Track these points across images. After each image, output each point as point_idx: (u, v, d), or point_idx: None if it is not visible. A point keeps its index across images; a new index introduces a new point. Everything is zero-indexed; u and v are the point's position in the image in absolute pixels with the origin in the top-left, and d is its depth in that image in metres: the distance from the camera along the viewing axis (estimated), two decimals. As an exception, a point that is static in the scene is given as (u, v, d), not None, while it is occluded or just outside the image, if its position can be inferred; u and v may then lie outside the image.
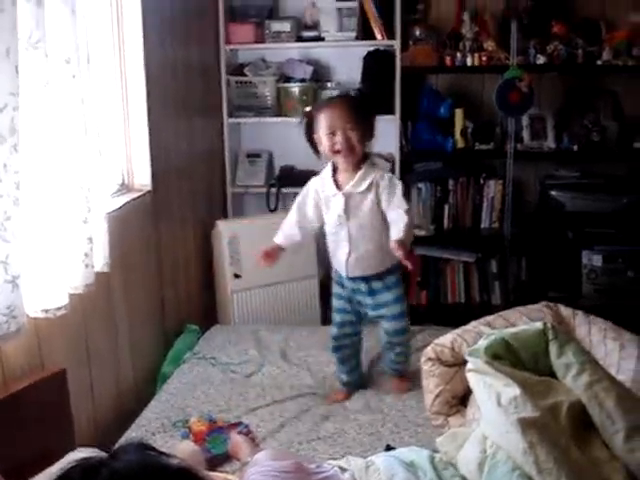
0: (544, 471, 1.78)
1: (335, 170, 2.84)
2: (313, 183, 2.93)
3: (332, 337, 3.00)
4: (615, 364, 2.31)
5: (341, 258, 2.85)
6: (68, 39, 2.31)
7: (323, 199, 2.86)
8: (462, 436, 2.08)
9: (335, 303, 2.99)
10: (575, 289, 4.28)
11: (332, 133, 2.71)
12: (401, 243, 2.60)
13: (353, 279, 2.87)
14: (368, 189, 2.75)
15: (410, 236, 2.71)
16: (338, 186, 2.81)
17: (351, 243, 2.81)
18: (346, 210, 2.78)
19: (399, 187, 2.75)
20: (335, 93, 4.29)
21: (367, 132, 2.77)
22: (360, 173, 2.76)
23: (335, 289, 2.98)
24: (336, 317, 2.99)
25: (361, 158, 2.77)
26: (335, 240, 2.86)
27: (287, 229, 2.95)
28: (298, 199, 2.97)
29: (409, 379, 2.98)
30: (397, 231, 2.64)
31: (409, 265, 2.66)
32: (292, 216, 2.96)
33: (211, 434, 2.55)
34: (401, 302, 2.91)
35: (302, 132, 2.86)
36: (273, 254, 2.92)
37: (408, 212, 2.69)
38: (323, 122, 2.74)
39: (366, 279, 2.85)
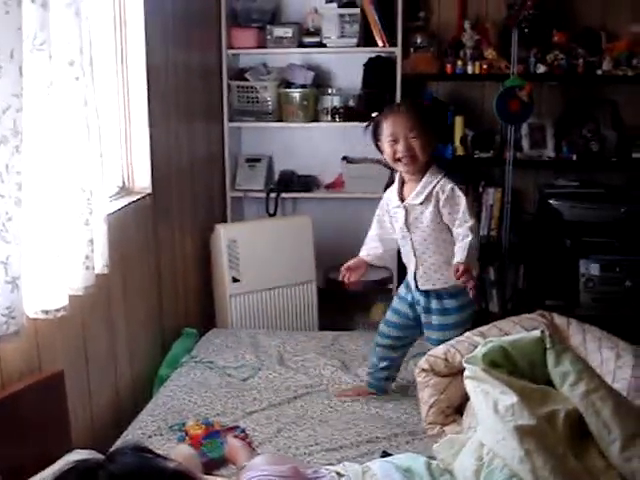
0: (540, 479, 1.78)
1: (403, 181, 2.82)
2: (386, 194, 2.91)
3: (379, 333, 3.01)
4: (611, 372, 2.32)
5: (411, 269, 2.83)
6: (72, 41, 2.31)
7: (391, 211, 2.85)
8: (459, 443, 2.09)
9: (394, 303, 2.97)
10: (573, 298, 4.29)
11: (394, 140, 2.70)
12: (463, 266, 2.58)
13: (418, 291, 2.83)
14: (427, 199, 2.71)
15: (474, 257, 2.67)
16: (402, 197, 2.79)
17: (417, 256, 2.79)
18: (407, 222, 2.77)
19: (462, 200, 2.69)
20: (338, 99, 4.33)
21: (431, 141, 2.73)
22: (421, 183, 2.73)
23: (401, 290, 2.96)
24: (389, 316, 2.97)
25: (424, 167, 2.74)
26: (404, 253, 2.86)
27: (369, 242, 2.96)
28: (377, 211, 2.95)
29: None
30: (459, 253, 2.63)
31: (471, 291, 2.64)
32: (373, 229, 2.96)
33: (207, 438, 2.55)
34: (445, 330, 2.79)
35: (369, 139, 2.82)
36: (356, 268, 2.92)
37: (472, 229, 2.65)
38: (386, 129, 2.72)
39: (427, 295, 2.81)
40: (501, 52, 4.20)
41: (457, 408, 2.54)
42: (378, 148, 2.81)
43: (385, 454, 2.39)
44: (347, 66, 4.47)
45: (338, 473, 2.03)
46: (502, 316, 2.79)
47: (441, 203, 2.70)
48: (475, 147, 4.36)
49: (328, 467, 2.12)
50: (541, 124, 4.40)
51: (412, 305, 2.89)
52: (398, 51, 4.19)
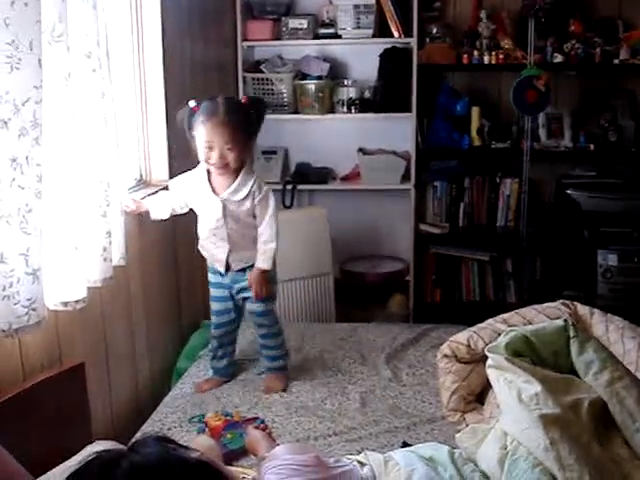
0: (566, 467, 1.77)
1: (209, 172, 2.82)
2: (184, 178, 2.90)
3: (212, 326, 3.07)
4: (634, 362, 2.30)
5: (220, 256, 2.88)
6: (89, 33, 2.31)
7: (196, 198, 2.86)
8: (482, 432, 2.07)
9: (213, 292, 3.02)
10: (590, 289, 4.26)
11: (209, 148, 2.70)
12: (260, 274, 2.82)
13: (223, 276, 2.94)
14: (246, 197, 2.78)
15: (273, 263, 2.87)
16: (214, 190, 2.80)
17: (231, 244, 2.85)
18: (224, 215, 2.80)
19: (272, 203, 2.82)
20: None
21: (247, 148, 2.77)
22: (238, 180, 2.77)
23: (211, 278, 3.00)
24: (214, 305, 3.03)
25: (239, 166, 2.77)
26: (213, 240, 2.88)
27: (161, 203, 2.94)
28: (171, 187, 2.96)
29: (285, 376, 3.02)
30: (265, 259, 2.84)
31: (255, 295, 2.85)
32: (168, 195, 2.95)
33: (227, 429, 2.55)
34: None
35: (180, 123, 2.80)
36: (137, 209, 2.90)
37: (276, 236, 2.83)
38: (202, 132, 2.69)
39: (244, 271, 2.90)
40: (517, 42, 4.18)
41: (477, 396, 2.53)
42: (189, 136, 2.77)
43: (405, 444, 2.39)
44: (363, 57, 4.46)
45: (360, 462, 2.02)
46: (519, 307, 2.76)
47: (256, 200, 2.78)
48: (492, 138, 4.35)
49: (350, 456, 2.11)
50: (558, 114, 4.38)
51: (227, 287, 2.96)
52: (414, 42, 4.18)
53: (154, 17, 3.14)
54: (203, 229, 2.89)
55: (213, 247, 2.89)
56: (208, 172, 2.81)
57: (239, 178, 2.77)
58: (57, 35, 2.11)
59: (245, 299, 2.97)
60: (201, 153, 2.72)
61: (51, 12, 2.07)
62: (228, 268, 2.91)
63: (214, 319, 3.03)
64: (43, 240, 2.07)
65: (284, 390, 2.93)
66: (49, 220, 2.16)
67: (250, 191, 2.77)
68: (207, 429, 2.58)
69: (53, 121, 2.15)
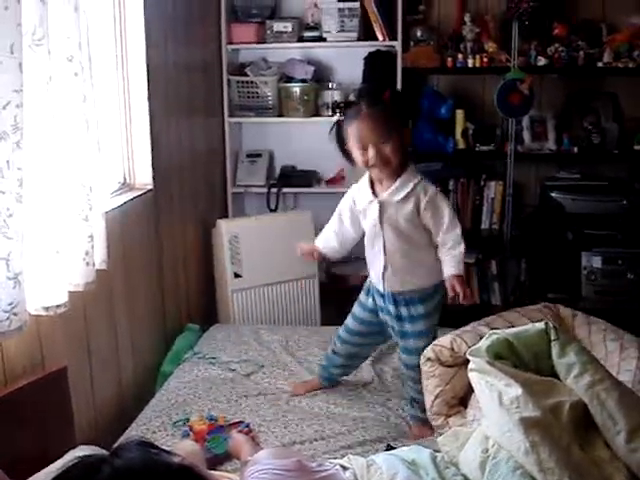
0: (546, 471, 1.78)
1: (373, 180, 2.70)
2: (351, 191, 2.80)
3: (339, 338, 2.98)
4: (615, 365, 2.32)
5: (378, 270, 2.72)
6: (71, 37, 2.30)
7: (360, 208, 2.73)
8: (464, 436, 2.08)
9: (356, 310, 2.91)
10: (575, 291, 4.28)
11: (364, 148, 2.56)
12: (460, 279, 2.59)
13: (383, 297, 2.75)
14: (406, 198, 2.60)
15: (461, 263, 2.64)
16: (375, 193, 2.67)
17: (387, 254, 2.68)
18: (381, 218, 2.65)
19: (446, 205, 2.63)
20: (350, 95, 4.30)
21: (402, 139, 2.60)
22: (399, 181, 2.61)
23: (362, 297, 2.89)
24: (351, 323, 2.93)
25: (399, 166, 2.61)
26: (372, 251, 2.74)
27: (326, 234, 2.88)
28: (339, 207, 2.85)
29: (429, 426, 2.63)
30: (454, 264, 2.60)
31: (465, 301, 2.61)
32: (332, 224, 2.87)
33: (212, 433, 2.55)
34: (420, 338, 2.72)
35: (333, 141, 2.71)
36: (310, 253, 2.93)
37: (461, 237, 2.62)
38: (352, 136, 2.59)
39: (395, 302, 2.72)
40: (501, 45, 4.19)
41: (461, 399, 2.54)
42: (345, 152, 2.69)
43: (389, 447, 2.39)
44: (347, 60, 4.46)
45: (342, 466, 2.02)
46: (504, 309, 2.78)
47: (422, 205, 2.60)
48: (476, 140, 4.35)
49: (332, 460, 2.11)
50: (542, 117, 4.39)
51: (373, 311, 2.83)
52: (398, 45, 4.18)
53: (137, 20, 3.13)
54: (366, 239, 2.76)
55: (373, 262, 2.76)
56: (371, 180, 2.69)
57: (401, 178, 2.61)
58: (38, 38, 2.10)
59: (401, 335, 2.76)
60: (359, 159, 2.60)
61: (32, 15, 2.06)
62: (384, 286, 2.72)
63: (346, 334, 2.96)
64: (24, 244, 2.06)
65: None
66: (30, 224, 2.15)
67: (412, 191, 2.60)
68: (191, 433, 2.57)
69: (34, 125, 2.15)
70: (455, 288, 2.58)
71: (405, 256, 2.67)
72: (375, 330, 2.88)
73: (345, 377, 3.07)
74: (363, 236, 2.79)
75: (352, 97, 2.65)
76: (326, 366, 3.02)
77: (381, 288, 2.73)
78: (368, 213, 2.69)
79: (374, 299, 2.80)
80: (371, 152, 2.55)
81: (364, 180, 2.72)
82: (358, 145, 2.58)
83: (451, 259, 2.60)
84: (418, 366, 2.61)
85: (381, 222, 2.65)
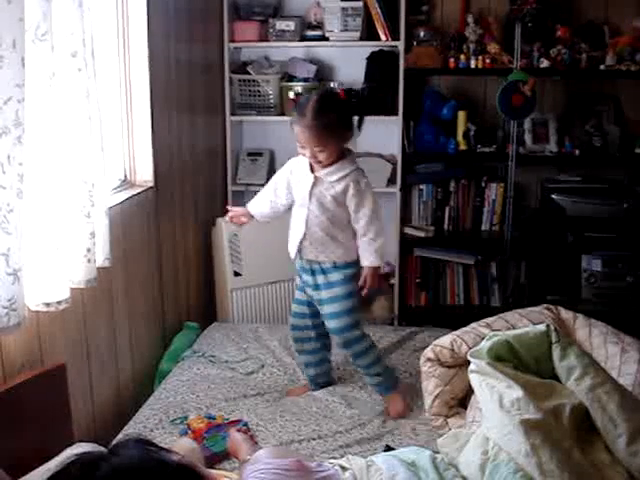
0: (546, 473, 1.77)
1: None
2: (290, 162, 2.93)
3: (290, 329, 3.07)
4: (616, 368, 2.31)
5: (296, 238, 2.85)
6: (74, 33, 2.30)
7: (295, 179, 2.86)
8: (463, 437, 2.07)
9: (295, 294, 3.06)
10: (574, 293, 4.28)
11: (302, 147, 2.71)
12: (373, 271, 2.75)
13: (303, 270, 2.89)
14: (339, 181, 2.75)
15: (381, 256, 2.80)
16: (312, 169, 2.80)
17: (307, 226, 2.81)
18: (311, 191, 2.78)
19: (371, 199, 2.77)
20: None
21: (338, 145, 2.73)
22: (335, 166, 2.75)
23: (297, 280, 3.04)
24: (293, 307, 3.06)
25: (337, 158, 2.75)
26: (295, 221, 2.87)
27: (259, 200, 2.99)
28: (275, 175, 2.99)
29: (403, 399, 2.85)
30: (371, 255, 2.76)
31: (376, 287, 2.81)
32: (266, 191, 2.98)
33: (210, 431, 2.54)
34: (340, 301, 2.84)
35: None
36: (240, 215, 3.00)
37: (382, 233, 2.76)
38: (296, 133, 2.71)
39: (312, 271, 2.86)
40: (504, 46, 4.18)
41: (461, 400, 2.53)
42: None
43: (388, 448, 2.38)
44: (350, 60, 4.45)
45: (342, 467, 2.02)
46: (503, 311, 2.77)
47: (351, 191, 2.75)
48: (478, 142, 4.34)
49: (332, 460, 2.11)
50: (544, 119, 4.39)
51: (302, 289, 2.97)
52: (401, 45, 4.17)
53: (140, 17, 3.13)
54: (294, 208, 2.88)
55: (294, 229, 2.88)
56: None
57: (337, 164, 2.75)
58: (41, 34, 2.09)
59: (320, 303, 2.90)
60: (300, 150, 2.74)
61: (35, 10, 2.05)
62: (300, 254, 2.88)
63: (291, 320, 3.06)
64: (25, 240, 2.06)
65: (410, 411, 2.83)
66: (31, 220, 2.15)
67: (346, 177, 2.74)
68: (189, 431, 2.57)
69: (36, 120, 2.14)
70: (367, 278, 2.77)
71: (324, 230, 2.80)
72: (312, 311, 2.97)
73: (340, 376, 3.07)
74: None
75: (306, 94, 2.70)
76: (304, 370, 3.08)
77: (293, 254, 2.89)
78: (301, 185, 2.82)
79: (300, 276, 2.95)
80: (307, 153, 2.71)
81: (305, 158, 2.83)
82: (299, 142, 2.72)
83: (369, 250, 2.77)
84: (348, 327, 2.83)
85: (310, 194, 2.78)
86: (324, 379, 3.03)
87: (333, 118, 2.68)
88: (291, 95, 2.75)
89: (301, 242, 2.83)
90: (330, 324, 2.86)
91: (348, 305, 2.84)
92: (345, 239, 2.81)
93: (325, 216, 2.78)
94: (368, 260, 2.77)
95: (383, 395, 2.89)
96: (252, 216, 3.00)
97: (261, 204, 2.98)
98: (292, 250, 2.89)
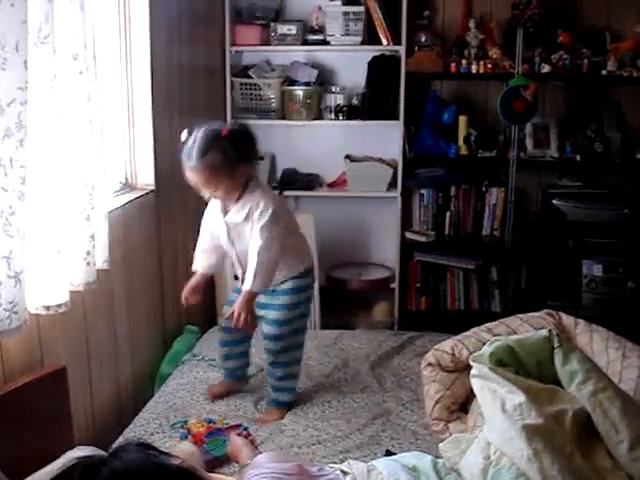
0: (548, 478, 1.77)
1: None
2: (210, 205, 2.85)
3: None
4: (617, 373, 2.31)
5: (239, 274, 2.84)
6: (76, 35, 2.30)
7: (214, 226, 2.82)
8: (465, 442, 2.07)
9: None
10: (575, 299, 4.27)
11: (195, 187, 2.66)
12: (248, 295, 2.66)
13: None
14: (246, 219, 2.69)
15: (265, 280, 2.67)
16: (225, 211, 2.75)
17: (242, 265, 2.78)
18: (229, 238, 2.76)
19: (265, 218, 2.65)
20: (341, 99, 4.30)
21: (235, 177, 2.63)
22: (240, 203, 2.69)
23: (231, 296, 2.97)
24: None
25: (240, 191, 2.69)
26: (231, 260, 2.87)
27: (199, 254, 2.88)
28: (203, 221, 2.88)
29: (283, 410, 2.83)
30: (247, 278, 2.66)
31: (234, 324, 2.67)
32: (201, 241, 2.88)
33: (210, 436, 2.54)
34: (283, 310, 2.80)
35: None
36: (197, 288, 2.87)
37: (264, 249, 2.64)
38: (187, 178, 2.64)
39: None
40: (506, 51, 4.19)
41: (461, 405, 2.53)
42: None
43: (388, 453, 2.38)
44: (351, 64, 4.46)
45: (343, 471, 2.01)
46: (504, 316, 2.77)
47: (255, 218, 2.67)
48: (479, 147, 4.35)
49: (332, 465, 2.11)
50: (545, 124, 4.39)
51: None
52: (402, 50, 4.18)
53: (142, 20, 3.13)
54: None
55: (233, 265, 2.87)
56: None
57: (241, 200, 2.69)
58: (43, 36, 2.09)
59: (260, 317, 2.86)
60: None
61: (37, 13, 2.05)
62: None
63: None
64: (26, 243, 2.05)
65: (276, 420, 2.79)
66: (32, 223, 2.14)
67: (250, 212, 2.68)
68: (190, 435, 2.56)
69: (38, 123, 2.14)
70: (240, 303, 2.67)
71: None
72: None
73: (340, 380, 3.06)
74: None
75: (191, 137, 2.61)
76: (222, 363, 3.03)
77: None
78: (220, 231, 2.79)
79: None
80: (206, 194, 2.68)
81: (215, 200, 2.78)
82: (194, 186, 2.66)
83: (251, 274, 2.66)
84: (281, 337, 2.79)
85: (230, 241, 2.77)
86: (241, 372, 3.02)
87: (217, 158, 2.57)
88: (183, 137, 2.61)
89: (242, 277, 2.78)
90: (265, 329, 2.82)
91: (288, 315, 2.80)
92: (285, 258, 2.74)
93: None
94: (247, 284, 2.66)
95: (271, 406, 2.84)
96: (204, 275, 2.89)
97: (205, 257, 2.87)
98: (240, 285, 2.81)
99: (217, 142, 2.59)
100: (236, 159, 2.61)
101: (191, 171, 2.60)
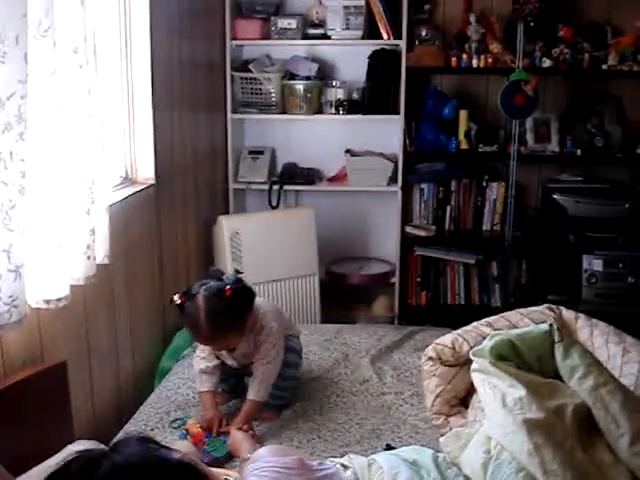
0: (549, 472, 1.77)
1: None
2: (201, 352, 2.75)
3: None
4: (618, 368, 2.30)
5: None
6: (76, 29, 2.29)
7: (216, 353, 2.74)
8: (466, 436, 2.07)
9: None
10: (575, 293, 4.27)
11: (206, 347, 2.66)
12: (257, 405, 2.64)
13: None
14: (256, 346, 2.68)
15: (268, 389, 2.68)
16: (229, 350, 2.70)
17: (242, 372, 2.81)
18: (240, 363, 2.75)
19: (270, 340, 2.67)
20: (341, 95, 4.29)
21: (242, 329, 2.60)
22: (245, 337, 2.65)
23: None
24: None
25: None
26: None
27: (204, 376, 2.73)
28: (196, 352, 2.77)
29: (278, 413, 2.77)
30: (255, 390, 2.64)
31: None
32: (203, 362, 2.73)
33: (210, 436, 2.53)
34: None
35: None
36: (215, 405, 2.72)
37: (271, 365, 2.66)
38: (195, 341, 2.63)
39: None
40: (506, 46, 4.18)
41: (462, 399, 2.53)
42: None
43: (389, 447, 2.38)
44: (351, 58, 4.45)
45: (343, 465, 2.01)
46: (504, 311, 2.76)
47: (262, 339, 2.67)
48: (479, 141, 4.35)
49: (333, 459, 2.10)
50: (546, 119, 4.39)
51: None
52: (403, 44, 4.17)
53: (142, 14, 3.12)
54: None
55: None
56: None
57: (246, 336, 2.65)
58: (44, 30, 2.09)
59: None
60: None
61: (37, 6, 2.05)
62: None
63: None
64: (26, 237, 2.05)
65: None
66: (32, 217, 2.14)
67: (257, 340, 2.67)
68: (189, 436, 2.54)
69: (38, 117, 2.13)
70: (247, 414, 2.62)
71: None
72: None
73: (340, 374, 3.06)
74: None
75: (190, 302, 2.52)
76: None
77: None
78: (226, 359, 2.75)
79: None
80: (216, 349, 2.67)
81: None
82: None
83: (260, 385, 2.66)
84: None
85: (240, 366, 2.76)
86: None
87: (227, 322, 2.53)
88: (176, 300, 2.54)
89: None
90: None
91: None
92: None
93: None
94: (251, 393, 2.64)
95: (269, 408, 2.77)
96: (212, 393, 2.74)
97: (208, 377, 2.72)
98: None
99: (223, 305, 2.51)
100: (242, 313, 2.59)
101: (203, 340, 2.59)
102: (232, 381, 2.89)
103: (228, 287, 2.51)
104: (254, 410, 2.64)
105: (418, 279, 4.57)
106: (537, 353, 2.15)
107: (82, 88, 2.35)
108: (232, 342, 2.62)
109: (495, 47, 4.18)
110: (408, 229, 4.49)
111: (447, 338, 2.55)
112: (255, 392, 2.64)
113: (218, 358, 2.73)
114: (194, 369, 2.77)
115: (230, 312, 2.52)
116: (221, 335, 2.55)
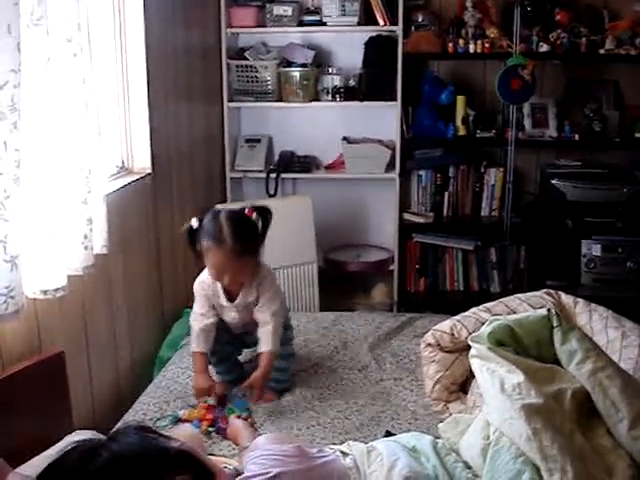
0: (548, 457, 1.77)
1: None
2: (202, 290, 2.73)
3: None
4: (617, 352, 2.30)
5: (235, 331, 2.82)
6: (70, 17, 2.28)
7: (216, 305, 2.73)
8: (464, 422, 2.07)
9: None
10: (574, 278, 4.27)
11: (219, 273, 2.58)
12: (271, 356, 2.63)
13: None
14: (258, 296, 2.69)
15: (279, 340, 2.69)
16: (230, 297, 2.70)
17: (245, 328, 2.80)
18: (241, 316, 2.74)
19: (277, 299, 2.70)
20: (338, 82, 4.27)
21: (257, 263, 2.64)
22: (254, 285, 2.68)
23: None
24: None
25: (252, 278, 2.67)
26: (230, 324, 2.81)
27: (200, 336, 2.71)
28: (200, 299, 2.74)
29: (279, 395, 2.78)
30: (267, 341, 2.65)
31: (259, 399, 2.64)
32: (203, 319, 2.71)
33: (222, 411, 2.53)
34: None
35: (185, 238, 2.62)
36: (208, 387, 2.66)
37: (275, 314, 2.67)
38: (209, 258, 2.55)
39: None
40: (503, 31, 4.16)
41: (461, 385, 2.53)
42: (194, 249, 2.61)
43: (388, 434, 2.38)
44: (348, 45, 4.44)
45: (343, 452, 2.01)
46: (503, 297, 2.76)
47: (264, 289, 2.69)
48: (477, 127, 4.34)
49: (332, 446, 2.10)
50: (543, 104, 4.37)
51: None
52: (399, 30, 4.15)
53: (136, 3, 3.10)
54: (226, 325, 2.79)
55: (234, 331, 2.83)
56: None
57: (254, 282, 2.68)
58: (36, 18, 2.08)
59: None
60: (213, 274, 2.60)
61: (29, -6, 2.03)
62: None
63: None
64: (22, 227, 2.04)
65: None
66: (28, 207, 2.13)
67: (259, 289, 2.69)
68: (202, 422, 2.52)
69: (32, 106, 2.12)
70: (264, 364, 2.63)
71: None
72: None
73: (339, 361, 3.06)
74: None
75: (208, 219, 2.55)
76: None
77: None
78: (225, 312, 2.74)
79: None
80: (225, 280, 2.59)
81: (217, 285, 2.69)
82: (214, 268, 2.58)
83: (272, 337, 2.66)
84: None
85: (241, 318, 2.75)
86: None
87: (250, 237, 2.57)
88: (194, 224, 2.56)
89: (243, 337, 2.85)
90: None
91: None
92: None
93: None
94: (267, 345, 2.64)
95: (272, 391, 2.77)
96: (205, 355, 2.72)
97: (205, 336, 2.70)
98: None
99: (246, 223, 2.58)
100: (263, 234, 2.62)
101: (224, 254, 2.51)
102: (228, 349, 2.85)
103: (248, 209, 2.60)
104: (272, 362, 2.65)
105: (417, 266, 4.56)
106: (535, 338, 2.14)
107: (77, 77, 2.34)
108: (247, 270, 2.60)
109: (492, 32, 4.16)
110: (406, 216, 4.48)
111: (446, 324, 2.55)
112: (271, 343, 2.64)
113: (216, 316, 2.73)
114: (192, 328, 2.74)
115: (253, 229, 2.58)
116: (242, 252, 2.52)
